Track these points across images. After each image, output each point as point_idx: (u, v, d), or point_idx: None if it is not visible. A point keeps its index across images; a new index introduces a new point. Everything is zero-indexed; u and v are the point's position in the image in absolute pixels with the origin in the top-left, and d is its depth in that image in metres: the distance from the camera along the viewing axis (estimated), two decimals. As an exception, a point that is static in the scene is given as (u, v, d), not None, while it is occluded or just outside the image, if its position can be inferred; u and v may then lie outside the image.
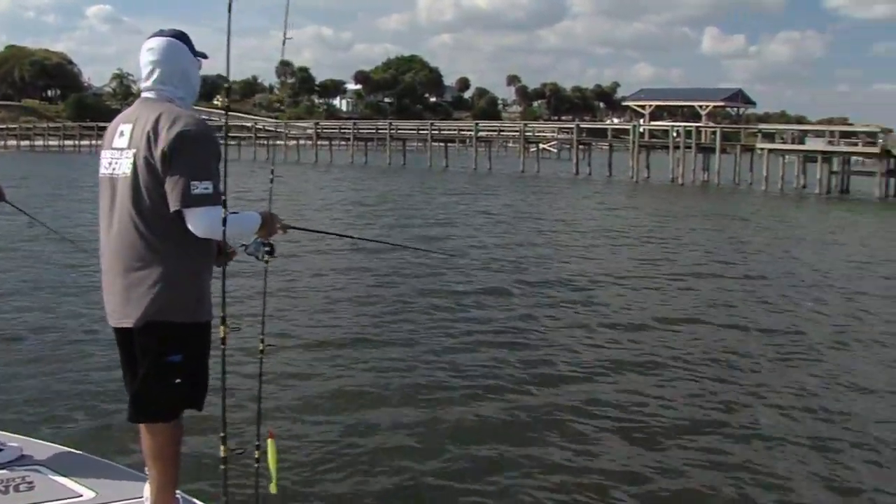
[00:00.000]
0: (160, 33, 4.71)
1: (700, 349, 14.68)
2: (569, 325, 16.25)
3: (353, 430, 9.83)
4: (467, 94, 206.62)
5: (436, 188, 55.68)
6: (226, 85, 4.85)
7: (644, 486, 8.61)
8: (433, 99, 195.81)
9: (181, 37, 4.73)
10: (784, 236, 34.86)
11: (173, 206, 4.37)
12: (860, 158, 68.49)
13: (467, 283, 20.21)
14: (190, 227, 4.41)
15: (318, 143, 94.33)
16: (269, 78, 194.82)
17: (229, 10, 4.36)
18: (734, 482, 8.78)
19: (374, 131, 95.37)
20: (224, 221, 4.40)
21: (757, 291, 20.99)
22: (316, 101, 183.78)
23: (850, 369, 13.72)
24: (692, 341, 15.31)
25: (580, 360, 13.47)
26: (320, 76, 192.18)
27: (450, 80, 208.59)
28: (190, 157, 4.37)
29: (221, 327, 4.58)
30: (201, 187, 4.35)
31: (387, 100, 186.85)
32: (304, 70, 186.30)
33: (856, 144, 64.78)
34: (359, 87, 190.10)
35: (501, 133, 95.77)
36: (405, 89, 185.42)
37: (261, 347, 5.28)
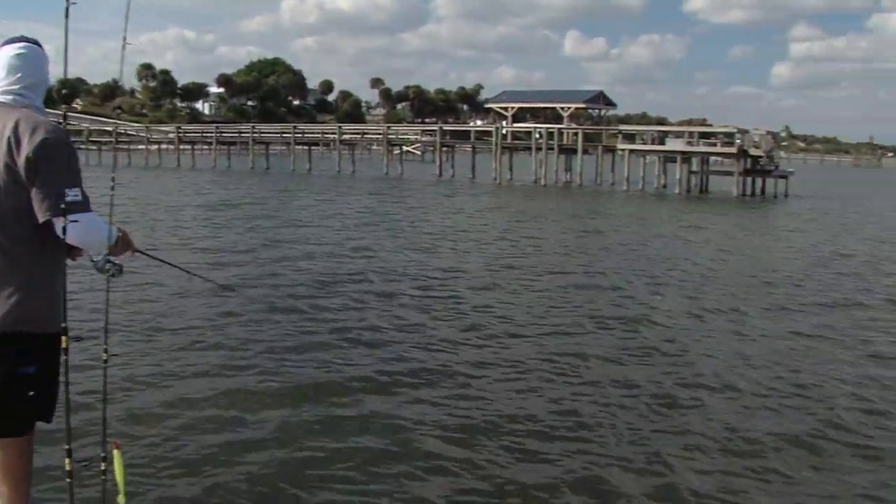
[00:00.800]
0: (22, 38, 4.58)
1: (542, 345, 15.00)
2: (410, 324, 16.33)
3: (199, 435, 9.71)
4: (331, 97, 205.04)
5: (295, 192, 54.98)
6: (63, 90, 4.00)
7: (456, 481, 8.84)
8: (297, 102, 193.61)
9: (40, 45, 4.64)
10: (641, 234, 35.71)
11: (45, 214, 4.24)
12: (719, 158, 70.09)
13: (316, 284, 20.26)
14: (63, 235, 4.25)
15: (181, 147, 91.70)
16: (129, 81, 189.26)
17: (66, 17, 4.48)
18: (551, 475, 9.06)
19: (237, 135, 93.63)
20: (96, 227, 4.43)
21: (607, 287, 21.56)
22: (178, 104, 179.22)
23: (689, 362, 14.26)
24: (537, 336, 15.69)
25: (415, 356, 13.73)
26: (183, 79, 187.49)
27: (313, 82, 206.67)
28: (58, 164, 4.28)
29: (63, 338, 4.44)
30: (72, 194, 4.25)
31: (250, 103, 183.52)
32: (166, 73, 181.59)
33: (714, 145, 66.76)
34: (222, 90, 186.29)
35: (365, 136, 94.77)
36: (268, 92, 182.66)
37: (104, 358, 5.19)
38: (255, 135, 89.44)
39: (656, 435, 10.51)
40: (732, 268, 26.56)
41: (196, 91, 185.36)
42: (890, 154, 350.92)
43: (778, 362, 14.32)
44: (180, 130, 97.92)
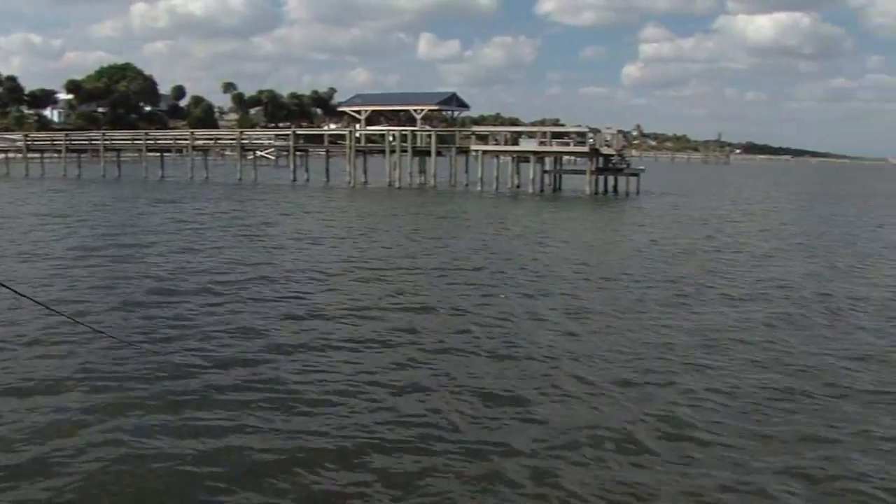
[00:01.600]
0: None
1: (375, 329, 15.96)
2: (248, 324, 16.35)
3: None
4: (183, 103, 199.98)
5: (142, 198, 52.95)
6: None
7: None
8: (148, 108, 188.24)
9: None
10: (487, 233, 35.79)
11: None
12: (572, 158, 70.88)
13: (156, 279, 20.37)
14: None
15: (29, 156, 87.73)
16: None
17: None
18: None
19: (87, 142, 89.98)
20: None
21: (450, 280, 22.44)
22: (26, 111, 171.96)
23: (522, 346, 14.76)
24: (374, 320, 16.60)
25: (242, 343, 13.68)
26: (30, 85, 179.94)
27: (165, 88, 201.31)
28: None
29: None
30: None
31: (100, 109, 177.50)
32: (12, 79, 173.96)
33: (567, 144, 67.20)
34: (71, 96, 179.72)
35: (218, 141, 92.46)
36: (119, 98, 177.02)
37: None
38: (106, 142, 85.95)
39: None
40: (571, 262, 27.07)
41: (44, 98, 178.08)
42: (738, 151, 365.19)
43: (616, 350, 14.57)
44: (28, 138, 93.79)
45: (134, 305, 18.43)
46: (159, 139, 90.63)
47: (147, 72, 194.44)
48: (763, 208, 59.01)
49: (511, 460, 10.23)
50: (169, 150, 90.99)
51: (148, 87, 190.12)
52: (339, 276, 23.19)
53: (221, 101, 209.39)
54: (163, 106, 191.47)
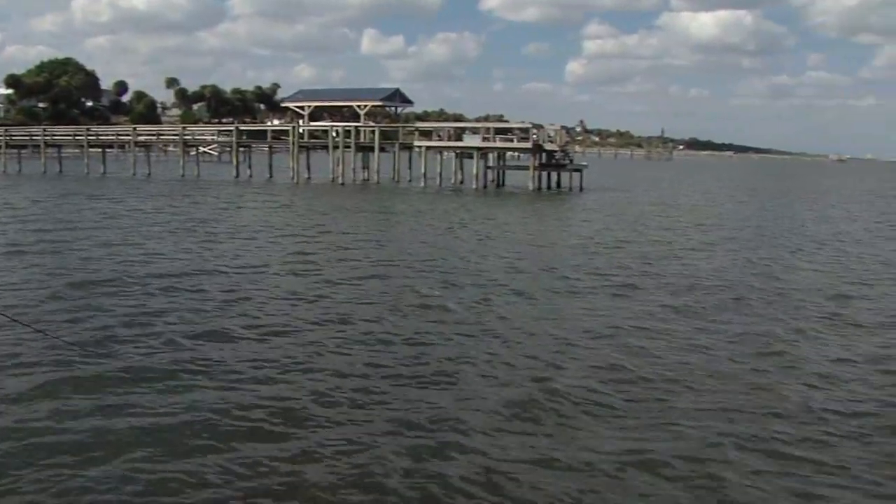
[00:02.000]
0: None
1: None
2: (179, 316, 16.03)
3: None
4: (125, 98, 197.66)
5: (80, 194, 52.10)
6: None
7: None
8: (90, 103, 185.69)
9: None
10: (428, 227, 36.22)
11: None
12: (516, 154, 71.25)
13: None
14: None
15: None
16: None
17: None
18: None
19: (27, 138, 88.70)
20: None
21: (383, 274, 22.91)
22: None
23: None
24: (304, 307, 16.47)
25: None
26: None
27: (107, 83, 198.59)
28: None
29: None
30: None
31: (41, 105, 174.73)
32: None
33: (511, 140, 67.37)
34: (10, 91, 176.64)
35: (161, 137, 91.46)
36: (60, 93, 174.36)
37: None
38: (47, 137, 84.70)
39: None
40: (503, 255, 27.62)
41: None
42: (680, 147, 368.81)
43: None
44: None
45: (58, 299, 18.53)
46: (101, 135, 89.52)
47: (89, 67, 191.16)
48: (696, 204, 60.02)
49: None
50: (111, 146, 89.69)
51: (90, 82, 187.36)
52: (273, 270, 23.51)
53: (164, 96, 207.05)
54: (105, 101, 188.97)
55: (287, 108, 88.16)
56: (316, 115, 78.31)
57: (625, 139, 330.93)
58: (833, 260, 29.72)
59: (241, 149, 76.78)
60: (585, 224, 39.69)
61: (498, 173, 69.39)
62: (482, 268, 24.85)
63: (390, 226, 36.67)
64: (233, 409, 11.78)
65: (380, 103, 78.44)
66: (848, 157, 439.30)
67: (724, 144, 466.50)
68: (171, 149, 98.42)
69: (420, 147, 68.84)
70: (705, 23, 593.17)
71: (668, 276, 24.33)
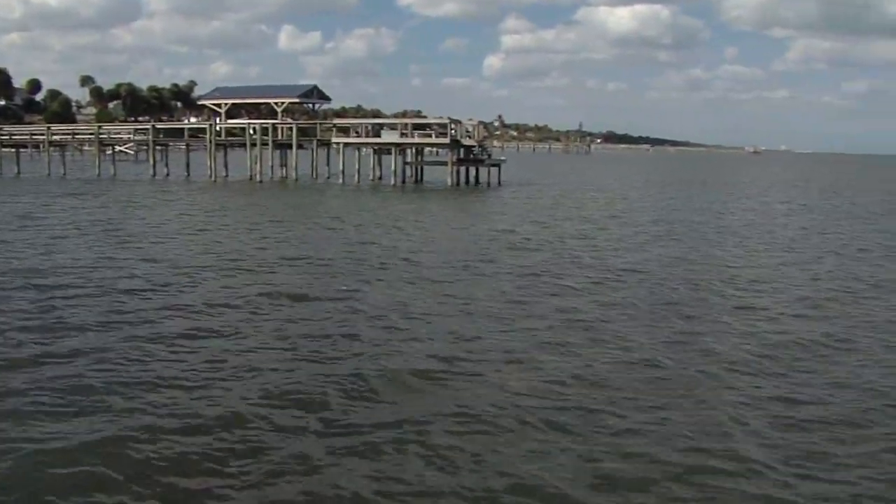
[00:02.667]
0: None
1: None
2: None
3: None
4: (39, 97, 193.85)
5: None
6: None
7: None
8: (2, 102, 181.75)
9: None
10: (343, 223, 36.55)
11: None
12: (434, 149, 71.69)
13: None
14: None
15: None
16: None
17: None
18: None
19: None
20: None
21: (297, 270, 23.27)
22: None
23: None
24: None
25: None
26: None
27: (19, 81, 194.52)
28: None
29: None
30: None
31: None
32: None
33: (429, 136, 67.85)
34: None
35: (76, 136, 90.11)
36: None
37: None
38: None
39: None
40: (415, 250, 28.37)
41: None
42: (598, 140, 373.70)
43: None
44: None
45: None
46: (14, 134, 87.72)
47: (0, 65, 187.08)
48: (609, 197, 61.53)
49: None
50: (25, 146, 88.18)
51: (2, 80, 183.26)
52: (185, 270, 23.65)
53: (79, 94, 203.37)
54: (17, 100, 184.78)
55: (204, 106, 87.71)
56: (233, 112, 78.30)
57: (543, 133, 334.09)
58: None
59: (158, 147, 76.10)
60: (499, 218, 40.61)
61: (416, 169, 69.97)
62: (396, 261, 25.48)
63: (306, 223, 36.95)
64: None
65: (297, 100, 78.54)
66: (763, 148, 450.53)
67: (640, 137, 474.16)
68: (86, 148, 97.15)
69: (338, 144, 69.12)
70: (623, 17, 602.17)
71: (568, 265, 25.23)
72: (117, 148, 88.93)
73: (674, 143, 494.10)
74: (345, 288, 20.99)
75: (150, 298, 19.32)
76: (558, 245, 30.76)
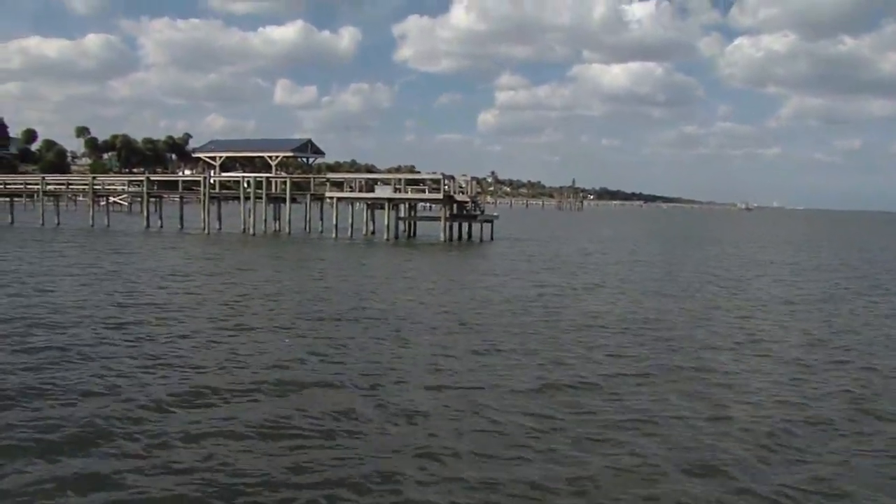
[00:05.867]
0: None
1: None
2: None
3: None
4: (34, 147, 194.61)
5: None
6: None
7: None
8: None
9: None
10: (334, 279, 36.50)
11: None
12: (427, 204, 72.01)
13: None
14: None
15: None
16: None
17: None
18: None
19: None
20: None
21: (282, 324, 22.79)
22: None
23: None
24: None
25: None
26: None
27: (15, 131, 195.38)
28: None
29: None
30: None
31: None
32: None
33: (422, 191, 68.30)
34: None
35: (70, 186, 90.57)
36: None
37: None
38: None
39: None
40: (402, 306, 28.22)
41: None
42: (591, 197, 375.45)
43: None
44: None
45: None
46: (8, 184, 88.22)
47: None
48: (597, 253, 61.58)
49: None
50: (19, 196, 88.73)
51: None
52: (173, 315, 23.94)
53: (75, 145, 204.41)
54: (13, 149, 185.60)
55: (199, 159, 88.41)
56: (228, 165, 78.75)
57: (536, 189, 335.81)
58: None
59: (152, 199, 76.54)
60: (490, 276, 40.58)
61: (409, 224, 70.22)
62: (382, 315, 25.49)
63: (296, 278, 37.00)
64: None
65: (291, 154, 79.16)
66: (756, 205, 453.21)
67: (633, 193, 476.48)
68: (80, 198, 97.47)
69: (332, 198, 69.43)
70: (616, 74, 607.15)
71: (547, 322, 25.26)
72: (111, 199, 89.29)
73: (666, 200, 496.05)
74: (286, 341, 21.24)
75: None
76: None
